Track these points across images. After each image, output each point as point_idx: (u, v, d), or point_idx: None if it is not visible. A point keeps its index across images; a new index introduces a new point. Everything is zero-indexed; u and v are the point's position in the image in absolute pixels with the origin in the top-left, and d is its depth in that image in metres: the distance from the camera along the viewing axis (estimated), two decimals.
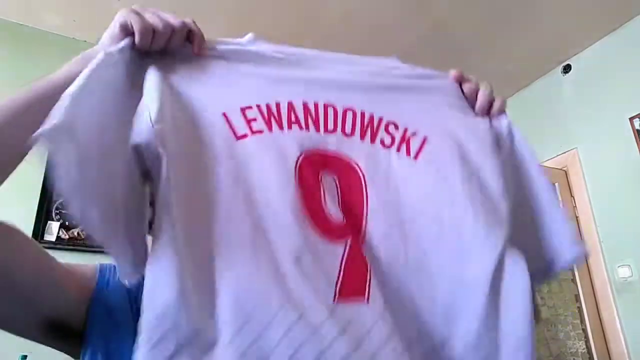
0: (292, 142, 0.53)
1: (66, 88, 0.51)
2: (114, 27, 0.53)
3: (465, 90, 0.66)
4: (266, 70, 0.57)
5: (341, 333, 0.43)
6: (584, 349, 2.40)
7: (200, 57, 0.56)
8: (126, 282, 0.48)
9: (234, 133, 0.51)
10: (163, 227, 0.43)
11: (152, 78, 0.50)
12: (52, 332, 0.59)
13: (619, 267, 2.29)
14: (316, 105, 0.56)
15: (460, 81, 0.66)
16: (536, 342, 0.49)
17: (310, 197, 0.50)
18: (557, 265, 0.59)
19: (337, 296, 0.46)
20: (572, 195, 2.58)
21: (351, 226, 0.51)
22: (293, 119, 0.54)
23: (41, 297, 0.57)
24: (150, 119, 0.46)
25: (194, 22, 0.57)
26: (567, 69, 2.71)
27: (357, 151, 0.56)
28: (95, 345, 0.59)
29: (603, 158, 2.44)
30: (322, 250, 0.48)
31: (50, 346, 0.61)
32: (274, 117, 0.54)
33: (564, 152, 2.64)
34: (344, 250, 0.49)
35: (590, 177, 2.50)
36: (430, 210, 0.54)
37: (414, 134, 0.59)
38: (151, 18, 0.52)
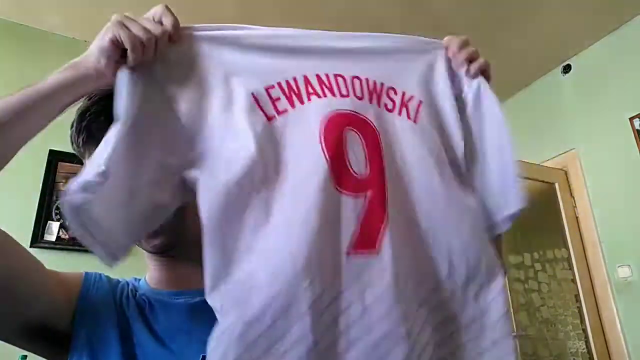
0: (314, 111, 0.57)
1: (53, 97, 0.53)
2: (102, 41, 0.52)
3: (456, 54, 0.67)
4: (273, 47, 0.61)
5: (348, 285, 0.50)
6: (584, 349, 2.40)
7: (205, 48, 0.58)
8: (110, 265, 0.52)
9: (266, 115, 0.56)
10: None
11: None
12: (37, 336, 0.59)
13: (619, 267, 2.29)
14: (327, 76, 0.61)
15: (448, 47, 0.68)
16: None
17: (336, 157, 0.55)
18: (498, 215, 0.62)
19: (351, 249, 0.51)
20: (572, 196, 2.58)
21: (373, 179, 0.56)
22: (311, 90, 0.59)
23: (29, 300, 0.57)
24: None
25: (168, 7, 0.56)
26: (567, 69, 2.71)
27: (369, 112, 0.60)
28: (81, 349, 0.59)
29: (603, 158, 2.44)
30: (344, 206, 0.53)
31: (34, 352, 0.61)
32: (294, 92, 0.58)
33: (564, 152, 2.64)
34: (363, 204, 0.54)
35: (590, 177, 2.51)
36: (427, 169, 0.60)
37: (410, 98, 0.64)
38: (136, 30, 0.52)
